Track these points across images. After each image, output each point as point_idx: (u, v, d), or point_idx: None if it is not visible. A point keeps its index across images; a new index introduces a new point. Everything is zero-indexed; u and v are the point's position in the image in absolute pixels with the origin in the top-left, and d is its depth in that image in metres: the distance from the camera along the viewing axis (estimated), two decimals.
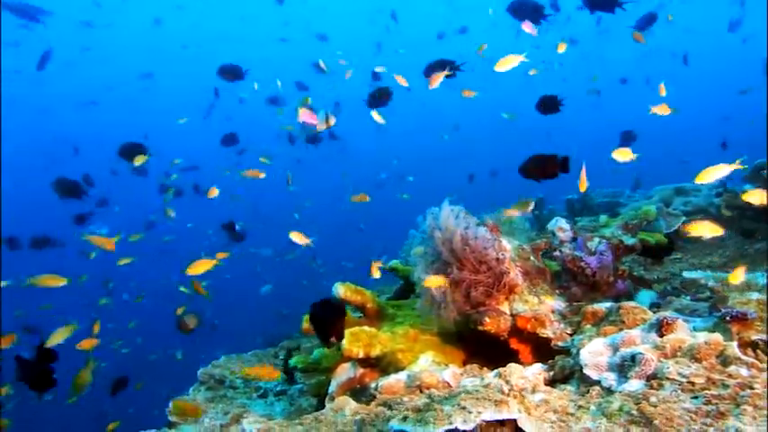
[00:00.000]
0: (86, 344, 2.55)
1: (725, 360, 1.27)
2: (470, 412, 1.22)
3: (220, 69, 3.72)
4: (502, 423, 1.25)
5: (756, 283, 1.73)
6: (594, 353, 1.53)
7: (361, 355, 1.83)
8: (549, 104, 2.55)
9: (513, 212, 2.04)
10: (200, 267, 2.12)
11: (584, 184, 2.05)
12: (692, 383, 1.25)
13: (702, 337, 1.36)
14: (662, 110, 2.22)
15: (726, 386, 1.20)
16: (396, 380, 1.72)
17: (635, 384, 1.34)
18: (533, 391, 1.46)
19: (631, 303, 1.73)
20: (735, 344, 1.30)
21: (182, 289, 4.54)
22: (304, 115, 2.63)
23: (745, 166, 1.83)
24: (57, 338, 2.25)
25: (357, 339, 1.84)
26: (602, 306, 1.80)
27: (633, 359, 1.39)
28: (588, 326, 1.77)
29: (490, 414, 1.21)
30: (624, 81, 8.75)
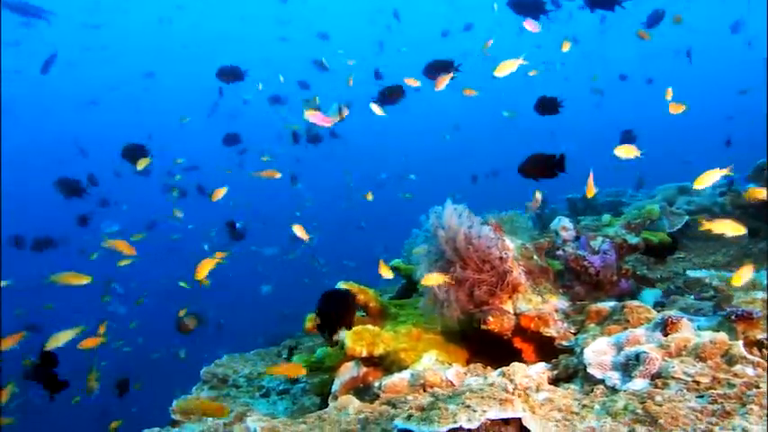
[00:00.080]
0: (89, 343, 2.55)
1: (730, 359, 1.27)
2: (475, 411, 1.22)
3: (219, 71, 3.71)
4: (506, 422, 1.25)
5: (761, 282, 1.73)
6: (598, 352, 1.53)
7: (364, 354, 1.83)
8: (547, 105, 2.54)
9: (536, 202, 2.04)
10: (204, 269, 2.12)
11: (591, 190, 2.06)
12: (698, 382, 1.25)
13: (707, 336, 1.35)
14: (677, 108, 2.20)
15: (732, 385, 1.19)
16: (399, 379, 1.72)
17: (639, 383, 1.34)
18: (537, 390, 1.45)
19: (635, 302, 1.72)
20: (740, 343, 1.30)
21: (182, 284, 4.54)
22: (313, 117, 2.62)
23: (733, 173, 1.84)
24: (57, 341, 2.24)
25: (360, 338, 1.84)
26: (606, 305, 1.79)
27: (638, 358, 1.38)
28: (592, 325, 1.77)
29: (495, 413, 1.21)
30: (624, 78, 8.74)
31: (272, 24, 17.20)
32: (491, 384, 1.42)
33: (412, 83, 2.67)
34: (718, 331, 1.39)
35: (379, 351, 1.84)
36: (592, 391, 1.39)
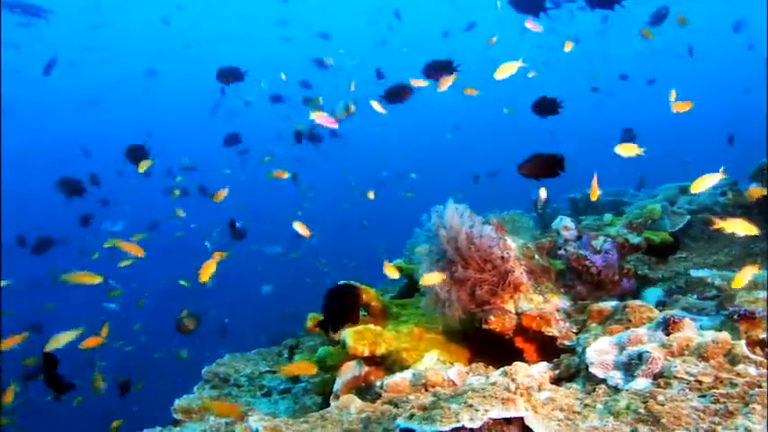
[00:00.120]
0: (89, 342, 2.56)
1: (733, 359, 1.27)
2: (477, 410, 1.22)
3: (219, 72, 3.70)
4: (509, 421, 1.25)
5: (763, 281, 1.72)
6: (600, 351, 1.53)
7: (366, 354, 1.83)
8: (546, 106, 2.54)
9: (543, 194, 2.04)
10: (208, 270, 2.12)
11: (594, 193, 2.06)
12: (700, 382, 1.25)
13: (710, 335, 1.35)
14: (682, 106, 2.19)
15: (734, 385, 1.19)
16: (401, 378, 1.72)
17: (642, 383, 1.34)
18: (539, 390, 1.45)
19: (637, 302, 1.72)
20: (743, 342, 1.30)
21: (182, 282, 4.54)
22: (319, 117, 2.61)
23: (726, 176, 1.84)
24: (57, 343, 2.25)
25: (362, 338, 1.84)
26: (608, 304, 1.79)
27: (640, 358, 1.38)
28: (594, 324, 1.77)
29: (497, 412, 1.21)
30: (624, 77, 8.74)
31: (273, 24, 17.19)
32: (493, 384, 1.42)
33: (420, 83, 2.66)
34: (720, 331, 1.39)
35: (380, 350, 1.84)
36: (594, 390, 1.39)
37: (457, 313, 1.89)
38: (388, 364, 1.87)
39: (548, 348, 1.83)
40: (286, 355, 2.52)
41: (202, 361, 2.48)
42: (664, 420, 1.16)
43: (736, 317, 1.43)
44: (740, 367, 1.23)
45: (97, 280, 2.47)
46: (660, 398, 1.23)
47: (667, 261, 2.34)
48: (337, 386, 1.83)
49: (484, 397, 1.27)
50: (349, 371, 1.87)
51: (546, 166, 2.11)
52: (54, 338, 2.23)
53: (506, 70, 2.36)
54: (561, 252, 2.17)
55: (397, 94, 2.73)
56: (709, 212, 2.61)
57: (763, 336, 1.39)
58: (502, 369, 1.55)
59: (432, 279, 1.86)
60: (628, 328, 1.60)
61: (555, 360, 1.67)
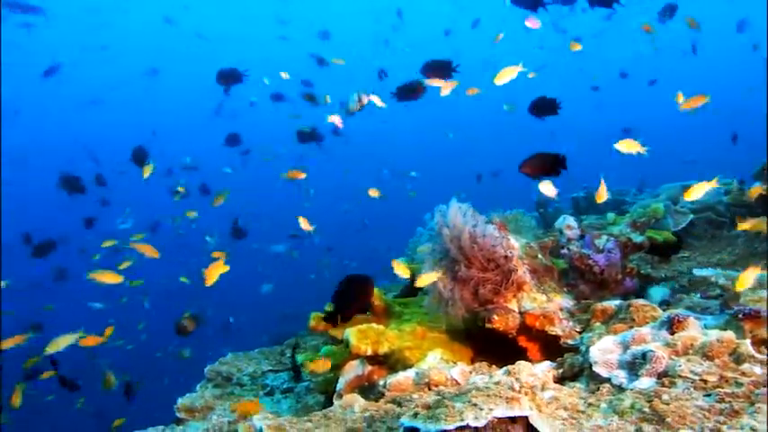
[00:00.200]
0: (90, 341, 2.57)
1: (738, 358, 1.27)
2: (482, 409, 1.21)
3: (219, 74, 3.70)
4: (513, 420, 1.24)
5: (765, 281, 1.72)
6: (604, 350, 1.52)
7: (369, 353, 1.83)
8: (544, 107, 2.53)
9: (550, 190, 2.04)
10: (214, 274, 2.12)
11: (601, 197, 2.06)
12: (705, 381, 1.24)
13: (715, 334, 1.35)
14: (695, 101, 2.17)
15: (739, 384, 1.19)
16: (404, 377, 1.71)
17: (646, 382, 1.34)
18: (543, 389, 1.45)
19: (641, 301, 1.72)
20: (748, 342, 1.29)
21: (182, 279, 4.54)
22: (333, 118, 2.62)
23: (720, 184, 1.85)
24: (57, 346, 2.27)
25: (365, 337, 1.84)
26: (612, 304, 1.79)
27: (644, 357, 1.38)
28: (597, 323, 1.77)
29: (502, 411, 1.21)
30: (624, 75, 8.72)
31: (274, 23, 17.20)
32: (497, 383, 1.42)
33: (435, 83, 2.65)
34: (725, 330, 1.39)
35: (383, 349, 1.83)
36: (598, 389, 1.39)
37: (460, 312, 1.89)
38: (391, 363, 1.87)
39: (551, 347, 1.83)
40: (288, 355, 2.51)
41: (205, 360, 2.48)
42: (669, 419, 1.15)
43: (741, 316, 1.43)
44: (745, 366, 1.23)
45: (119, 279, 2.51)
46: (665, 397, 1.23)
47: (670, 260, 2.34)
48: (340, 385, 1.83)
49: (488, 396, 1.26)
50: (352, 370, 1.87)
51: (548, 165, 2.11)
52: (54, 342, 2.25)
53: (506, 75, 2.36)
54: (564, 251, 2.17)
55: (409, 92, 2.73)
56: (712, 212, 2.61)
57: None
58: (505, 368, 1.55)
59: (427, 280, 1.86)
60: (632, 327, 1.60)
61: (558, 359, 1.66)
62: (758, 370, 1.21)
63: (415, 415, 1.29)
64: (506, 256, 1.90)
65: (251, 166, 7.70)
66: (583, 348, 1.63)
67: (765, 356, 1.25)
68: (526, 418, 1.22)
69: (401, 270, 1.91)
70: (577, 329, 1.82)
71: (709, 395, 1.19)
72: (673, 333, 1.45)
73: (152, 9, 19.45)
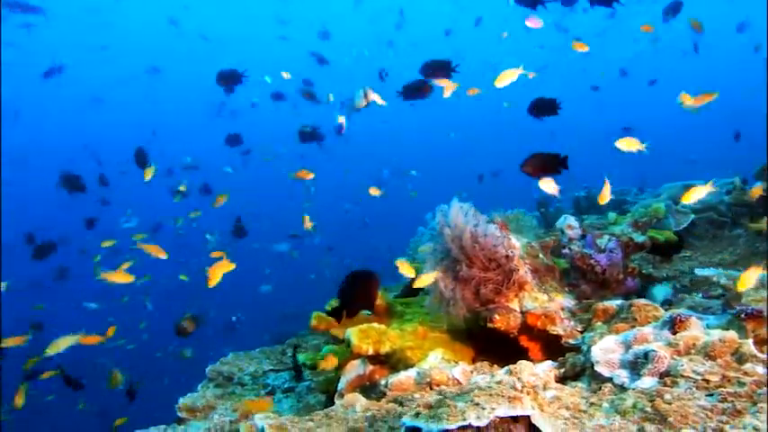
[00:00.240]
0: (90, 340, 2.59)
1: (740, 357, 1.27)
2: (484, 408, 1.21)
3: (219, 75, 3.69)
4: (515, 419, 1.24)
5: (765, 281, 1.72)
6: (606, 350, 1.52)
7: (370, 352, 1.83)
8: (543, 107, 2.53)
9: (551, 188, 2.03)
10: (217, 274, 2.12)
11: (604, 198, 2.06)
12: (707, 381, 1.24)
13: (717, 334, 1.35)
14: (704, 98, 2.16)
15: (742, 384, 1.19)
16: (406, 377, 1.71)
17: (648, 381, 1.34)
18: (545, 388, 1.45)
19: (643, 300, 1.72)
20: (750, 341, 1.29)
21: (182, 277, 4.54)
22: (341, 120, 2.62)
23: (717, 188, 1.85)
24: (56, 348, 2.29)
25: (367, 336, 1.84)
26: (613, 303, 1.79)
27: (646, 356, 1.38)
28: (599, 323, 1.77)
29: (504, 410, 1.21)
30: (624, 73, 8.71)
31: (274, 23, 17.20)
32: (499, 382, 1.42)
33: (443, 83, 2.64)
34: (727, 329, 1.39)
35: (385, 349, 1.83)
36: (600, 389, 1.39)
37: (461, 312, 1.89)
38: (392, 362, 1.87)
39: (552, 347, 1.83)
40: (290, 354, 2.52)
41: (206, 359, 2.48)
42: (671, 419, 1.15)
43: (743, 316, 1.43)
44: (748, 366, 1.23)
45: (130, 279, 2.53)
46: (667, 396, 1.23)
47: (672, 260, 2.33)
48: (342, 385, 1.83)
49: (490, 395, 1.26)
50: (353, 369, 1.87)
51: (549, 165, 2.11)
52: (54, 343, 2.26)
53: (507, 78, 2.36)
54: (565, 251, 2.17)
55: (415, 91, 2.72)
56: (714, 211, 2.60)
57: None
58: (507, 368, 1.55)
59: (426, 281, 1.86)
60: (633, 326, 1.60)
61: (560, 359, 1.66)
62: (760, 370, 1.21)
63: (417, 414, 1.29)
64: (508, 256, 1.90)
65: (251, 165, 7.70)
66: (584, 348, 1.63)
67: (767, 356, 1.25)
68: (528, 417, 1.22)
69: (407, 270, 1.90)
70: (579, 329, 1.82)
71: (711, 395, 1.19)
72: (675, 333, 1.45)
73: (152, 9, 19.47)
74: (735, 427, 1.08)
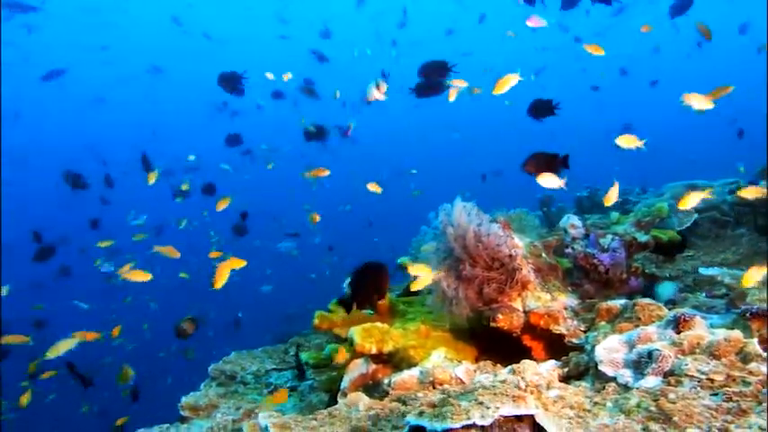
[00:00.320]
0: (88, 336, 2.61)
1: (745, 357, 1.26)
2: (488, 407, 1.21)
3: (220, 77, 3.69)
4: (519, 418, 1.24)
5: None
6: (610, 349, 1.52)
7: (373, 351, 1.83)
8: (541, 108, 2.54)
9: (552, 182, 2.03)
10: (222, 276, 2.12)
11: (610, 200, 2.07)
12: (712, 380, 1.24)
13: (721, 333, 1.34)
14: (716, 94, 2.15)
15: (747, 383, 1.19)
16: (409, 376, 1.71)
17: (652, 381, 1.33)
18: (548, 388, 1.45)
19: (646, 300, 1.72)
20: (755, 341, 1.29)
21: (182, 275, 4.55)
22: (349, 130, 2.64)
23: (714, 196, 1.85)
24: (57, 351, 2.32)
25: (369, 335, 1.84)
26: (617, 303, 1.79)
27: (650, 356, 1.38)
28: (602, 323, 1.76)
29: (508, 409, 1.21)
30: (624, 72, 8.71)
31: (275, 23, 17.20)
32: (503, 381, 1.42)
33: (459, 83, 2.64)
34: (732, 329, 1.39)
35: (388, 348, 1.83)
36: (603, 388, 1.39)
37: (464, 311, 1.89)
38: (395, 361, 1.87)
39: (555, 346, 1.83)
40: (292, 353, 2.52)
41: (209, 359, 2.48)
42: (675, 418, 1.15)
43: (748, 315, 1.42)
44: (753, 365, 1.23)
45: (148, 277, 2.55)
46: (671, 396, 1.23)
47: (675, 259, 2.33)
48: (345, 384, 1.83)
49: (494, 394, 1.26)
50: (356, 368, 1.87)
51: (549, 164, 2.11)
52: (54, 347, 2.29)
53: (505, 84, 2.36)
54: (568, 250, 2.17)
55: (429, 89, 2.73)
56: (717, 211, 2.60)
57: None
58: (510, 367, 1.55)
59: (419, 269, 1.84)
60: (637, 326, 1.60)
61: (563, 358, 1.66)
62: (765, 369, 1.21)
63: (421, 413, 1.29)
64: (511, 255, 1.90)
65: (252, 164, 7.70)
66: (588, 347, 1.63)
67: None
68: (532, 416, 1.22)
69: (419, 270, 1.87)
70: (582, 328, 1.82)
71: (716, 394, 1.19)
72: (679, 332, 1.45)
73: (152, 8, 19.46)
74: (740, 427, 1.08)
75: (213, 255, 2.75)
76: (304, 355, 2.08)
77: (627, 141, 2.07)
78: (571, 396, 1.39)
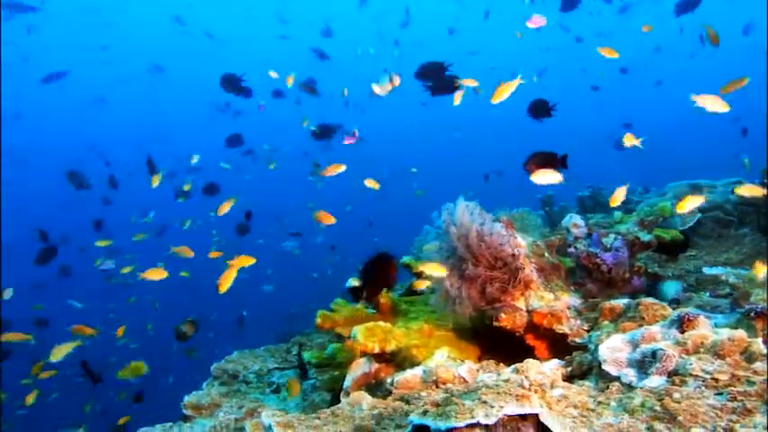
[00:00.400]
0: (86, 330, 2.64)
1: (750, 356, 1.26)
2: (492, 406, 1.21)
3: (222, 79, 3.70)
4: (524, 417, 1.24)
5: None
6: (613, 349, 1.52)
7: (376, 350, 1.82)
8: (540, 108, 2.55)
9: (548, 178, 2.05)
10: (228, 280, 2.13)
11: (616, 201, 2.08)
12: (716, 380, 1.24)
13: (726, 333, 1.34)
14: (731, 87, 2.13)
15: (751, 383, 1.18)
16: (412, 375, 1.71)
17: (656, 380, 1.33)
18: (552, 387, 1.45)
19: (650, 299, 1.71)
20: (760, 340, 1.29)
21: (182, 274, 4.56)
22: (348, 140, 2.67)
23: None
24: (59, 354, 2.35)
25: (372, 334, 1.84)
26: (620, 302, 1.79)
27: (654, 355, 1.37)
28: (606, 322, 1.76)
29: (512, 408, 1.20)
30: (624, 71, 8.69)
31: (275, 22, 17.20)
32: (506, 380, 1.42)
33: (470, 83, 2.65)
34: (736, 328, 1.38)
35: (390, 347, 1.83)
36: (607, 388, 1.39)
37: (467, 311, 1.89)
38: (398, 360, 1.87)
39: (559, 346, 1.82)
40: (294, 353, 2.52)
41: (211, 358, 2.49)
42: (680, 418, 1.15)
43: (752, 314, 1.42)
44: (757, 365, 1.23)
45: (164, 275, 2.58)
46: (676, 395, 1.22)
47: (678, 259, 2.33)
48: (347, 383, 1.83)
49: (498, 393, 1.26)
50: (359, 368, 1.87)
51: (550, 163, 2.12)
52: (57, 349, 2.33)
53: (504, 92, 2.35)
54: (571, 250, 2.16)
55: (443, 88, 2.74)
56: (720, 210, 2.60)
57: None
58: (513, 366, 1.54)
59: (433, 268, 1.85)
60: (641, 325, 1.60)
61: (567, 357, 1.66)
62: None
63: (425, 412, 1.29)
64: (514, 255, 1.90)
65: (254, 164, 7.70)
66: (591, 347, 1.63)
67: None
68: (537, 415, 1.22)
69: (433, 269, 1.86)
70: (585, 328, 1.82)
71: (720, 394, 1.19)
72: (683, 332, 1.44)
73: (152, 8, 19.46)
74: (745, 426, 1.07)
75: (213, 255, 2.76)
76: (306, 355, 2.08)
77: (627, 139, 2.09)
78: (575, 395, 1.39)
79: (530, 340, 1.88)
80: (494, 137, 19.43)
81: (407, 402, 1.57)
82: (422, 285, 1.86)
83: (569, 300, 1.97)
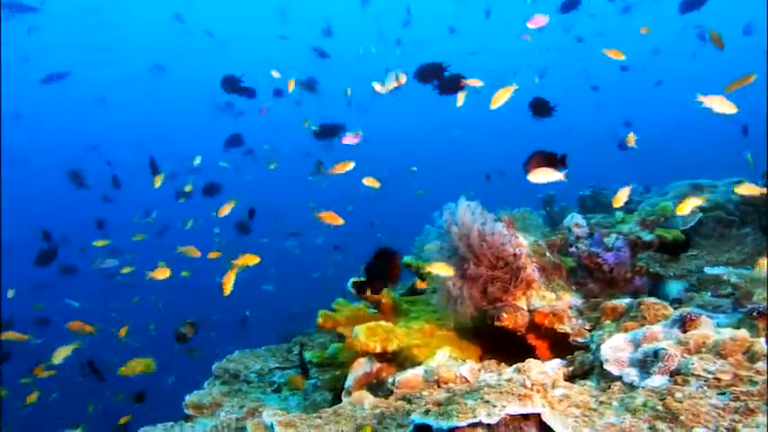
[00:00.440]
0: (85, 327, 2.65)
1: (752, 356, 1.26)
2: (494, 406, 1.21)
3: (223, 81, 3.71)
4: (526, 417, 1.24)
5: None
6: (615, 348, 1.52)
7: (378, 350, 1.82)
8: (540, 107, 2.55)
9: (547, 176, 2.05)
10: (230, 281, 2.13)
11: (619, 202, 2.08)
12: (719, 379, 1.24)
13: (728, 332, 1.34)
14: (738, 84, 2.12)
15: (754, 382, 1.18)
16: (413, 374, 1.71)
17: (658, 380, 1.33)
18: (553, 387, 1.45)
19: (652, 299, 1.71)
20: (762, 340, 1.28)
21: (183, 273, 4.56)
22: (348, 138, 2.68)
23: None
24: (60, 356, 2.38)
25: (374, 334, 1.84)
26: (622, 302, 1.79)
27: (656, 355, 1.37)
28: (608, 322, 1.76)
29: (515, 408, 1.21)
30: (625, 68, 8.69)
31: (276, 22, 17.20)
32: (508, 380, 1.42)
33: (475, 83, 2.65)
34: (738, 328, 1.38)
35: (392, 347, 1.83)
36: (609, 387, 1.39)
37: (469, 310, 1.89)
38: (399, 360, 1.87)
39: (560, 345, 1.82)
40: (296, 352, 2.52)
41: (213, 357, 2.49)
42: (682, 418, 1.15)
43: (754, 314, 1.42)
44: (760, 365, 1.22)
45: (167, 274, 2.63)
46: (678, 395, 1.22)
47: (679, 259, 2.33)
48: (349, 382, 1.83)
49: (500, 393, 1.26)
50: (360, 367, 1.87)
51: (550, 163, 2.12)
52: (57, 352, 2.36)
53: (501, 98, 2.36)
54: (572, 249, 2.16)
55: (450, 85, 2.75)
56: (722, 210, 2.60)
57: None
58: (515, 366, 1.54)
59: (441, 268, 1.85)
60: (642, 325, 1.60)
61: (568, 357, 1.66)
62: None
63: (427, 412, 1.29)
64: (515, 254, 1.90)
65: (254, 164, 7.70)
66: (593, 346, 1.63)
67: None
68: (539, 415, 1.22)
69: (440, 269, 1.86)
70: (587, 327, 1.82)
71: (723, 393, 1.19)
72: (685, 331, 1.44)
73: (152, 8, 19.46)
74: (747, 426, 1.07)
75: (212, 255, 2.76)
76: (308, 354, 2.09)
77: (630, 139, 2.09)
78: (577, 395, 1.39)
79: (531, 340, 1.88)
80: (495, 137, 19.42)
81: (409, 402, 1.57)
82: (425, 285, 1.86)
83: (571, 299, 1.97)
